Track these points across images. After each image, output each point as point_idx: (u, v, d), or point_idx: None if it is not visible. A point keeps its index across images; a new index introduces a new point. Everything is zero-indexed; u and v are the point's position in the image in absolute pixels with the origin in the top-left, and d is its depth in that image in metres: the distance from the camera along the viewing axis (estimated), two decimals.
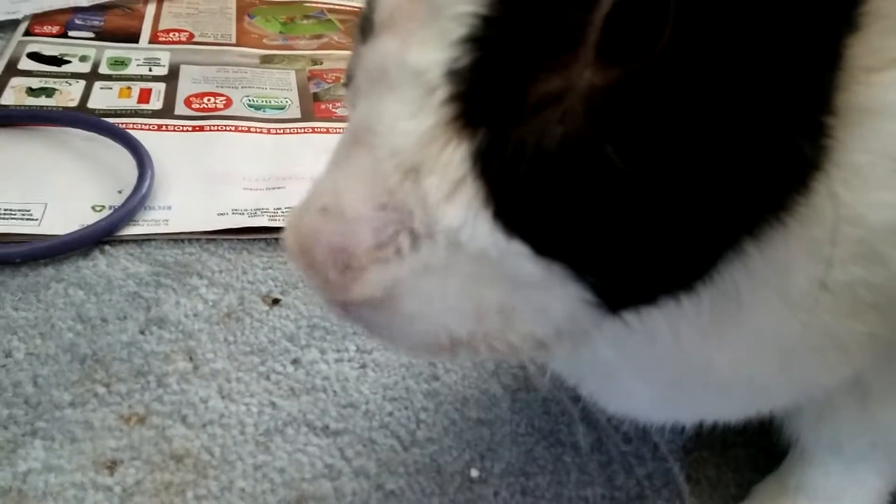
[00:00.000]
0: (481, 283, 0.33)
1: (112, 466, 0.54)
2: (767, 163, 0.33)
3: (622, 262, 0.33)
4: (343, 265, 0.32)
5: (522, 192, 0.31)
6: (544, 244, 0.32)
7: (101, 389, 0.58)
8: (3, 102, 0.88)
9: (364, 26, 0.36)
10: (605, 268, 0.33)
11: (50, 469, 0.53)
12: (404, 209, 0.32)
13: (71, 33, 1.05)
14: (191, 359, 0.62)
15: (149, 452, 0.55)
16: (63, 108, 0.89)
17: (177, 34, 1.10)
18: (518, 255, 0.32)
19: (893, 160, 0.35)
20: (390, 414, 0.60)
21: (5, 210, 0.73)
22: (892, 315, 0.40)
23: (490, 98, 0.30)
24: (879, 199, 0.36)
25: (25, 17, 1.06)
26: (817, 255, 0.37)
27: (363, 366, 0.63)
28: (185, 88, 0.97)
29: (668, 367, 0.43)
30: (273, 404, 0.59)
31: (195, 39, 1.09)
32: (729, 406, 0.48)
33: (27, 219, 0.72)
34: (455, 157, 0.31)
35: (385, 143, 0.31)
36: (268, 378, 0.61)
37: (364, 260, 0.32)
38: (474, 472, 0.57)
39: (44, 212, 0.73)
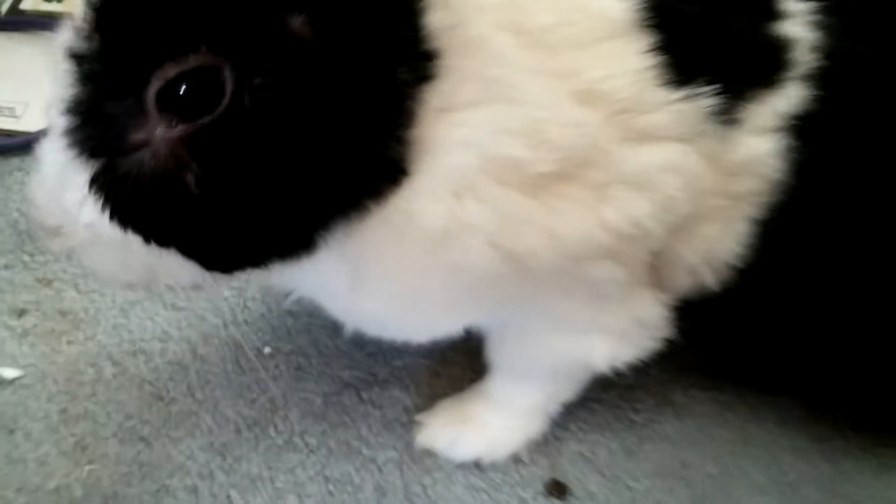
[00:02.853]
0: (125, 252, 0.51)
1: (21, 314, 0.78)
2: (337, 180, 0.49)
3: (210, 247, 0.51)
4: (45, 230, 0.52)
5: (126, 203, 0.49)
6: (149, 237, 0.50)
7: (27, 258, 0.83)
8: (23, 7, 1.10)
9: None
10: (198, 251, 0.51)
11: None
12: (66, 209, 0.50)
13: None
14: None
15: (46, 307, 0.79)
16: (65, 13, 1.09)
17: None
18: (136, 241, 0.50)
19: (447, 183, 0.50)
20: (226, 300, 0.81)
21: None
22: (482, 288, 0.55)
23: (96, 142, 0.47)
24: (434, 209, 0.50)
25: None
26: (393, 244, 0.52)
27: None
28: None
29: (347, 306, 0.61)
30: None
31: None
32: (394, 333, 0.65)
33: (10, 115, 0.95)
34: (80, 179, 0.48)
35: (44, 169, 0.50)
36: None
37: (53, 231, 0.52)
38: (267, 350, 0.78)
39: (25, 110, 0.96)
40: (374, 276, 0.55)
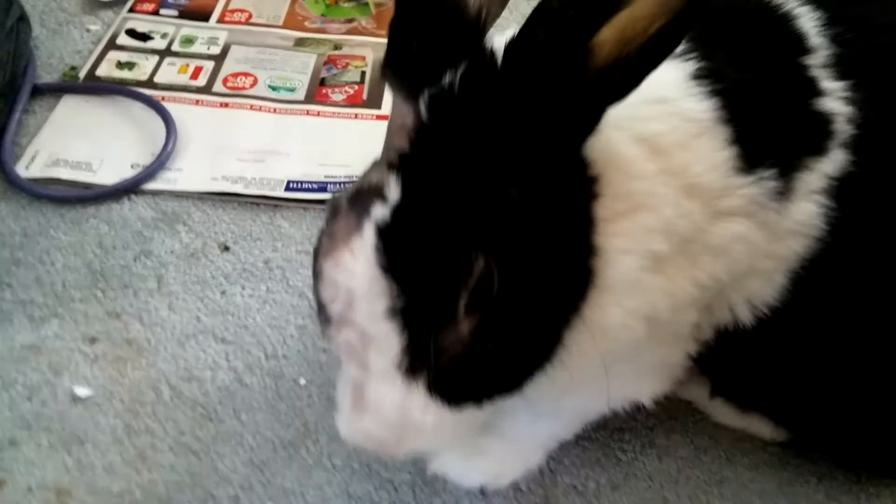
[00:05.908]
0: (461, 422, 0.60)
1: (93, 341, 0.91)
2: (565, 294, 0.59)
3: (506, 382, 0.61)
4: (390, 453, 0.61)
5: (454, 391, 0.58)
6: (480, 400, 0.60)
7: (99, 294, 0.95)
8: (98, 73, 1.25)
9: None
10: (500, 389, 0.61)
11: (58, 337, 0.91)
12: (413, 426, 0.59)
13: (161, 11, 1.38)
14: (159, 281, 0.97)
15: (114, 337, 0.91)
16: (136, 80, 1.24)
17: (240, 14, 1.39)
18: (470, 410, 0.59)
19: (620, 286, 0.60)
20: (268, 336, 0.93)
21: (76, 162, 1.10)
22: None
23: (421, 349, 0.56)
24: (615, 308, 0.61)
25: None
26: (590, 343, 0.62)
27: (265, 302, 0.97)
28: (227, 68, 1.28)
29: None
30: (198, 319, 0.94)
31: (252, 20, 1.38)
32: None
33: (88, 170, 1.09)
34: (417, 396, 0.57)
35: (383, 411, 0.58)
36: (202, 301, 0.96)
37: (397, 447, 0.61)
38: (302, 381, 0.89)
39: (100, 165, 1.10)
40: (577, 374, 0.63)
